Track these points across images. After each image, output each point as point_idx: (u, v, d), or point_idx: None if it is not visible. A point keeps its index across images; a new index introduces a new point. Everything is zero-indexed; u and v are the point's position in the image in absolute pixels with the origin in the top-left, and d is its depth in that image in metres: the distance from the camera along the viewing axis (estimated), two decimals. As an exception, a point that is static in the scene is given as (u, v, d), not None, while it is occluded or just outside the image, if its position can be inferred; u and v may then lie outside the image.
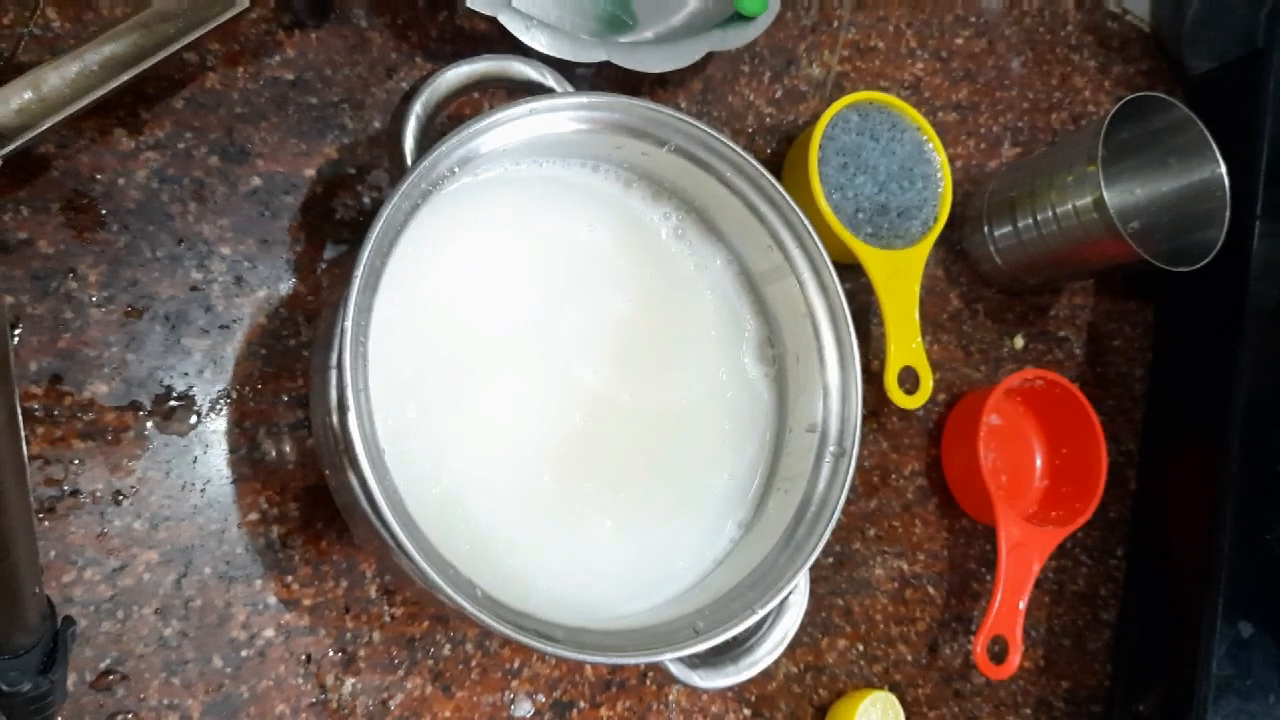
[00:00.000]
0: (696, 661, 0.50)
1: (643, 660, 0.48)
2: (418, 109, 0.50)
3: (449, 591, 0.43)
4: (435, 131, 0.50)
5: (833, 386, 0.57)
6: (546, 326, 0.55)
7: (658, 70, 0.60)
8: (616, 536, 0.55)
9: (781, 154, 0.68)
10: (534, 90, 0.52)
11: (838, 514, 0.53)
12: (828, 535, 0.53)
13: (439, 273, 0.53)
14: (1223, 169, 0.66)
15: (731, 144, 0.55)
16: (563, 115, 0.52)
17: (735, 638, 0.50)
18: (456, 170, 0.49)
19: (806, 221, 0.56)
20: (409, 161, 0.49)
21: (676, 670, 0.50)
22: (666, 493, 0.57)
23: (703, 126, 0.54)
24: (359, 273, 0.44)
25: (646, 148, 0.55)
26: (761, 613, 0.50)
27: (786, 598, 0.53)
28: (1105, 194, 0.62)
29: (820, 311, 0.57)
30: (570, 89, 0.53)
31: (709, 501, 0.57)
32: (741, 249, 0.60)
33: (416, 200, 0.48)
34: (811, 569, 0.53)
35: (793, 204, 0.56)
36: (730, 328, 0.60)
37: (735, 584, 0.53)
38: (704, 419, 0.58)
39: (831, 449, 0.56)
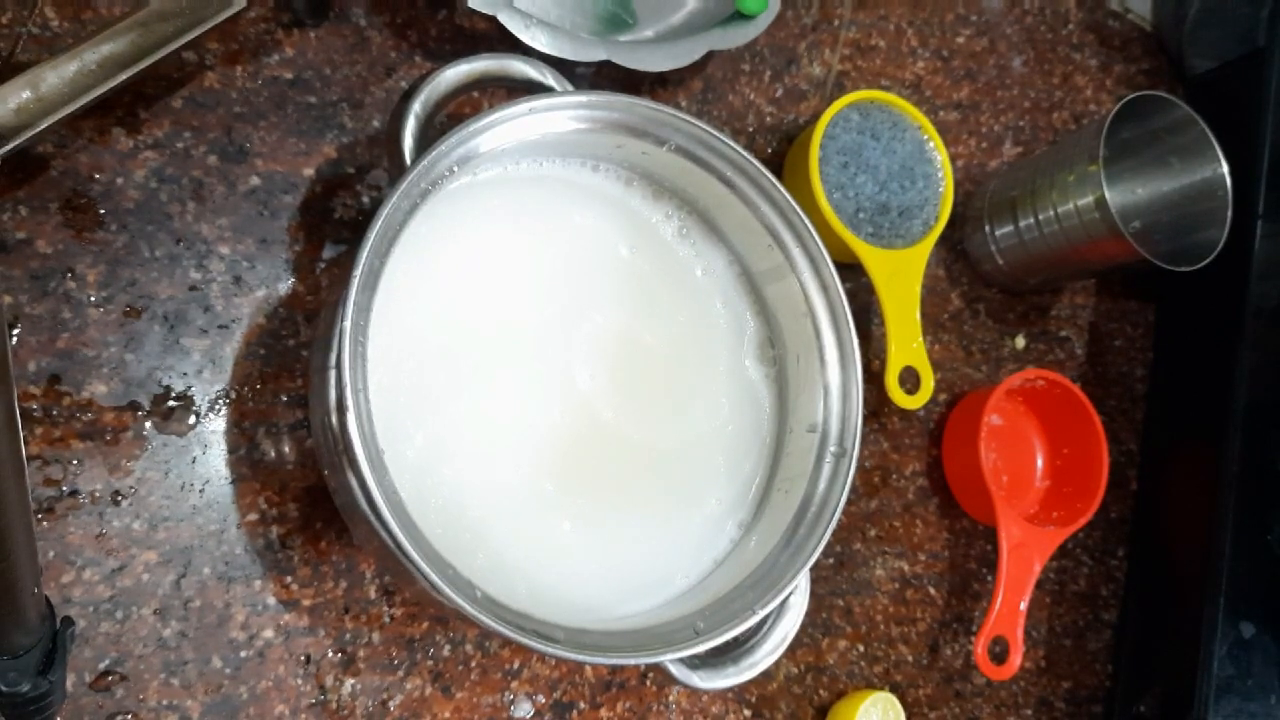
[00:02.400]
0: (697, 662, 0.50)
1: (643, 661, 0.48)
2: (417, 108, 0.50)
3: (448, 592, 0.43)
4: (434, 131, 0.50)
5: (833, 386, 0.56)
6: (547, 327, 0.55)
7: (658, 69, 0.60)
8: (618, 537, 0.55)
9: (782, 153, 0.68)
10: (534, 89, 0.52)
11: (838, 514, 0.53)
12: (828, 536, 0.53)
13: (438, 272, 0.53)
14: (1224, 168, 0.66)
15: (732, 143, 0.55)
16: (562, 114, 0.52)
17: (736, 638, 0.50)
18: (456, 170, 0.49)
19: (807, 221, 0.56)
20: (408, 161, 0.49)
21: (677, 671, 0.49)
22: (667, 493, 0.57)
23: (703, 126, 0.54)
24: (358, 272, 0.44)
25: (647, 147, 0.55)
26: (762, 613, 0.50)
27: (787, 598, 0.53)
28: (1107, 193, 0.62)
29: (821, 311, 0.57)
30: (570, 88, 0.53)
31: (708, 502, 0.57)
32: (742, 249, 0.59)
33: (416, 200, 0.48)
34: (812, 569, 0.53)
35: (793, 203, 0.56)
36: (732, 329, 0.60)
37: (735, 584, 0.53)
38: (704, 419, 0.58)
39: (832, 449, 0.55)
